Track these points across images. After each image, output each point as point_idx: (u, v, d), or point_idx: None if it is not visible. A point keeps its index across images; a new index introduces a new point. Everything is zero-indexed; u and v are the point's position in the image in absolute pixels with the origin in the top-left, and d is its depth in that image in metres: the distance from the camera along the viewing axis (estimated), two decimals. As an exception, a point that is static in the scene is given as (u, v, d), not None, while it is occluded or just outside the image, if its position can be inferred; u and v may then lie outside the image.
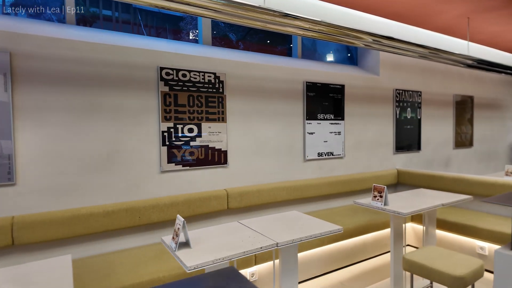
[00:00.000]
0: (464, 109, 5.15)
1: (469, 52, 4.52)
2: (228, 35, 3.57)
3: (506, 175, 3.57)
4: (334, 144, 3.61)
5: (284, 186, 3.16)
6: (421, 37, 4.32)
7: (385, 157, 4.14)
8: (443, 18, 3.78)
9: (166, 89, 2.54)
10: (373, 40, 3.55)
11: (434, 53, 4.22)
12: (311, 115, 3.41)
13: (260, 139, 3.10)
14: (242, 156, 2.98)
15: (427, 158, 4.65)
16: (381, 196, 2.42)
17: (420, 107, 4.48)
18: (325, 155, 3.54)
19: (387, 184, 4.07)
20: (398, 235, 2.46)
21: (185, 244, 1.61)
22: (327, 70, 3.58)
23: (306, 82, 3.37)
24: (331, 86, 3.57)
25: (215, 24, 3.32)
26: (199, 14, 2.14)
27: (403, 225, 2.56)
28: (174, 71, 2.58)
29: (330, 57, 4.36)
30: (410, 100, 4.36)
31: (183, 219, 1.55)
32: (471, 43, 4.70)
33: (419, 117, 4.47)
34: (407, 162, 4.38)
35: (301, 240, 1.70)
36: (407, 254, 2.19)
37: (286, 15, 2.52)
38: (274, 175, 3.20)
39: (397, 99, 4.21)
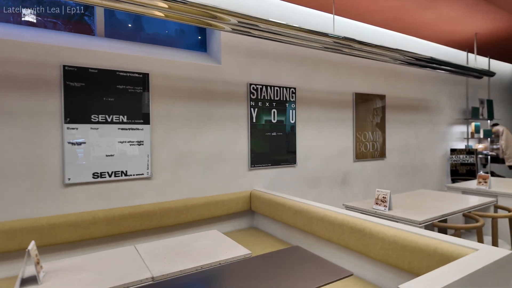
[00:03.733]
0: (370, 111, 4.09)
1: (335, 31, 3.48)
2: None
3: (376, 203, 2.48)
4: (130, 159, 2.48)
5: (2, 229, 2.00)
6: (285, 14, 3.26)
7: (235, 175, 3.02)
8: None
9: None
10: (239, 22, 2.53)
11: (347, 45, 3.19)
12: (77, 116, 2.29)
13: (-42, 153, 1.95)
14: None
15: (310, 175, 3.54)
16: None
17: (294, 109, 3.39)
18: (111, 176, 2.41)
19: (237, 212, 2.95)
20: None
21: None
22: (113, 51, 2.46)
23: (66, 66, 2.25)
24: (122, 74, 2.46)
25: None
26: None
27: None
28: None
29: (179, 42, 3.27)
30: (277, 98, 3.27)
31: None
32: (337, 18, 3.65)
33: (292, 121, 3.38)
34: (275, 181, 3.27)
35: None
36: None
37: None
38: (-6, 210, 2.04)
39: (253, 97, 3.11)
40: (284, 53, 3.32)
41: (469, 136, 5.17)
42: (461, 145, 5.32)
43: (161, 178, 2.64)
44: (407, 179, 4.55)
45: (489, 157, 5.50)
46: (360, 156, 3.97)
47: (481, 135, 5.36)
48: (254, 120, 3.11)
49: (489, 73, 4.29)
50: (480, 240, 2.21)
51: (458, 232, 2.10)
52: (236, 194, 2.96)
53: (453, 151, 5.08)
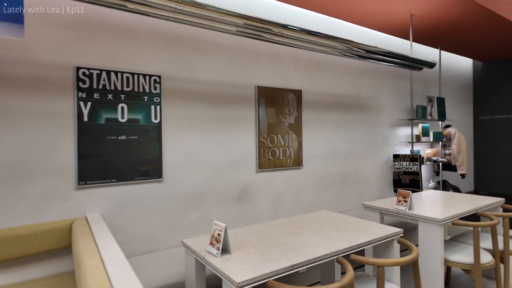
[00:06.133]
0: (280, 109, 3.28)
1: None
2: None
3: (211, 243, 1.64)
4: None
5: None
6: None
7: (52, 197, 2.13)
8: None
9: None
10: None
11: (267, 29, 2.45)
12: None
13: None
14: None
15: (188, 191, 2.69)
16: None
17: (159, 104, 2.54)
18: None
19: (49, 250, 2.06)
20: None
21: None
22: None
23: None
24: None
25: None
26: None
27: None
28: None
29: None
30: (129, 89, 2.41)
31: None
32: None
33: (156, 121, 2.53)
34: (128, 202, 2.39)
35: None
36: None
37: None
38: None
39: (84, 86, 2.24)
40: (141, 28, 2.47)
41: (414, 140, 4.43)
42: (407, 150, 4.57)
43: None
44: (335, 192, 3.76)
45: (440, 163, 4.78)
46: (265, 165, 3.14)
47: (431, 139, 4.64)
48: (86, 119, 2.24)
49: (428, 64, 3.55)
50: (351, 305, 1.39)
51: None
52: (49, 225, 2.07)
53: (396, 157, 4.33)
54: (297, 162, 3.39)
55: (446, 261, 2.25)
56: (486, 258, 2.23)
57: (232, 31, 2.42)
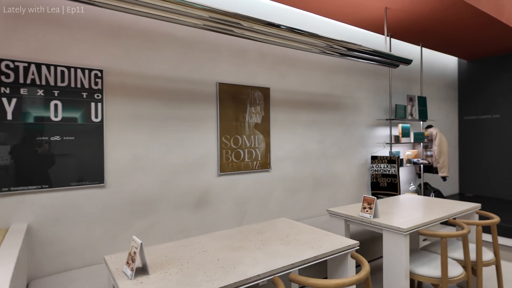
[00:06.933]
0: (245, 108, 3.05)
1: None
2: None
3: (127, 263, 1.40)
4: None
5: None
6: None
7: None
8: None
9: None
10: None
11: (236, 24, 2.21)
12: None
13: None
14: None
15: (136, 197, 2.45)
16: None
17: (100, 101, 2.30)
18: None
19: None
20: None
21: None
22: None
23: None
24: None
25: None
26: None
27: None
28: None
29: None
30: (64, 85, 2.16)
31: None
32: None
33: (97, 120, 2.28)
34: (64, 210, 2.14)
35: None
36: None
37: None
38: None
39: (9, 81, 1.99)
40: (78, 16, 2.23)
41: (392, 141, 4.24)
42: (386, 152, 4.38)
43: None
44: (307, 196, 3.54)
45: (421, 165, 4.60)
46: (228, 168, 2.91)
47: (412, 139, 4.45)
48: (10, 117, 1.99)
49: (404, 60, 3.35)
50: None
51: None
52: (-38, 236, 1.82)
53: (374, 159, 4.13)
54: (265, 165, 3.16)
55: (412, 274, 2.04)
56: (456, 271, 2.02)
57: (199, 25, 2.17)
